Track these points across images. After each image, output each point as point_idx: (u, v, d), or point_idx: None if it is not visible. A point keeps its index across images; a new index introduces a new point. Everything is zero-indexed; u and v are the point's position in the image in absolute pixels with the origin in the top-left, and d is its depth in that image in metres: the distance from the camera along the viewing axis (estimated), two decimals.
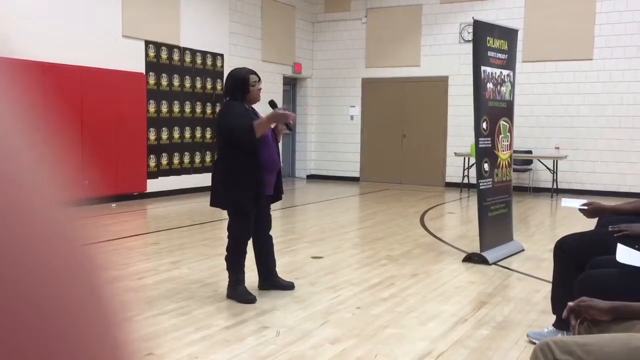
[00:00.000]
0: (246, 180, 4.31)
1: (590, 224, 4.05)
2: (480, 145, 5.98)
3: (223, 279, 4.96)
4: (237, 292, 4.44)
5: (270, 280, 4.71)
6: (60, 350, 0.27)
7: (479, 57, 5.94)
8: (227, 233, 4.54)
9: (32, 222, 0.27)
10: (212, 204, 4.52)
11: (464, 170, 12.25)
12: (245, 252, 4.51)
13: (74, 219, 0.30)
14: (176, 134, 10.94)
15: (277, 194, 4.64)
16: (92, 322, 0.29)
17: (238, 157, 4.31)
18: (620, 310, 2.13)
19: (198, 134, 11.44)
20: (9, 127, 0.28)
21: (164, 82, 10.67)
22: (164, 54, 10.62)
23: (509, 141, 6.42)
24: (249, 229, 4.49)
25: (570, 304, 2.20)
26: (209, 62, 11.61)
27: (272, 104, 4.64)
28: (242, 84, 4.40)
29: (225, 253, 4.55)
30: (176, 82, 10.92)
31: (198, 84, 11.40)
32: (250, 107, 4.47)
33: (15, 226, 0.27)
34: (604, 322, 2.13)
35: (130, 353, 0.31)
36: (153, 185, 10.45)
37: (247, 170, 4.31)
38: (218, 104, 11.83)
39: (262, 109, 4.71)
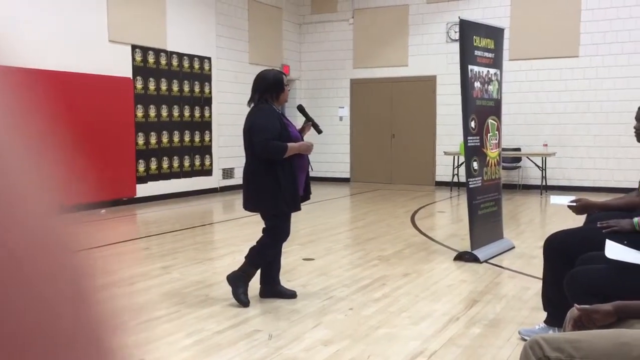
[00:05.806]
0: (286, 181, 4.35)
1: (579, 221, 4.08)
2: (469, 144, 6.01)
3: (215, 283, 4.95)
4: (238, 288, 4.42)
5: (272, 289, 4.64)
6: (50, 357, 0.27)
7: (466, 56, 5.97)
8: (261, 234, 4.55)
9: (24, 227, 0.27)
10: (248, 207, 4.49)
11: (453, 169, 12.29)
12: (275, 253, 4.58)
13: (66, 224, 0.30)
14: (165, 139, 10.91)
15: (306, 194, 4.66)
16: (84, 328, 0.29)
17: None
18: (624, 309, 2.08)
19: (187, 137, 11.41)
20: (0, 133, 0.28)
21: (152, 86, 10.63)
22: (150, 58, 10.59)
23: (497, 139, 6.45)
24: (289, 229, 4.59)
25: (571, 313, 2.11)
26: (196, 65, 11.59)
27: (301, 108, 4.81)
28: (277, 84, 4.41)
29: (255, 244, 4.51)
30: (164, 86, 10.88)
31: (186, 88, 11.37)
32: (279, 108, 4.48)
33: (7, 232, 0.27)
34: (610, 325, 2.05)
35: (122, 359, 0.31)
36: (142, 190, 10.41)
37: (285, 171, 4.34)
38: (206, 108, 11.83)
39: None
